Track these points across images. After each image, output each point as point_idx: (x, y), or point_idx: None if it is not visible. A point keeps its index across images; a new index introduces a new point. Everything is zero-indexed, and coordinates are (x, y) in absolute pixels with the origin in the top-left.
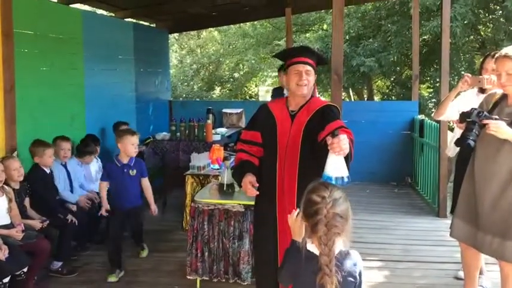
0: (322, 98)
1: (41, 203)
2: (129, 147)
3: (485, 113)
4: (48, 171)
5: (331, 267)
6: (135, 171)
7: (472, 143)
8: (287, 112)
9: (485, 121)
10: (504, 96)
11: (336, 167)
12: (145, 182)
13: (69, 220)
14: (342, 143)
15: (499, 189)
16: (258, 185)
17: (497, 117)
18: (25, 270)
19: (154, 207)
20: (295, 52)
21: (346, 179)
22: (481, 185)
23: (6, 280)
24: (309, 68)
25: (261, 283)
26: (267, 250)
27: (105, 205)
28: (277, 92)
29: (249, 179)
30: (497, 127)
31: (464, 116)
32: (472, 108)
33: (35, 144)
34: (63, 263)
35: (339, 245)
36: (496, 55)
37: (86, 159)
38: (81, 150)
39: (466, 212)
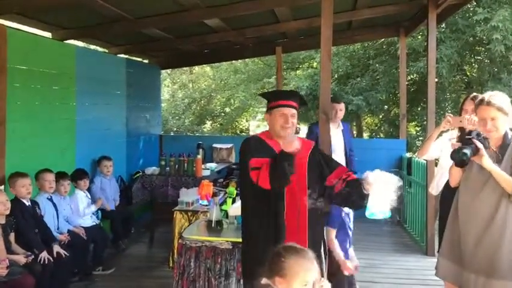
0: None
1: (20, 236)
2: None
3: (484, 135)
4: (27, 203)
5: None
6: None
7: (468, 152)
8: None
9: (479, 145)
10: None
11: (379, 202)
12: None
13: (41, 258)
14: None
15: (482, 227)
16: None
17: (490, 148)
18: None
19: None
20: (283, 95)
21: (388, 213)
22: (465, 224)
23: None
24: (294, 111)
25: None
26: None
27: None
28: (316, 128)
29: None
30: (482, 158)
31: (464, 134)
32: (474, 130)
33: (11, 176)
34: None
35: None
36: (477, 101)
37: (81, 184)
38: (76, 176)
39: (451, 251)
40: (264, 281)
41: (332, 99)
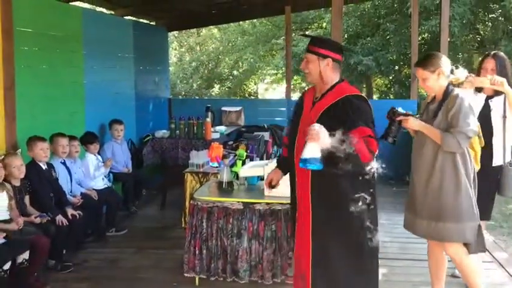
0: None
1: (36, 199)
2: None
3: (397, 110)
4: (44, 166)
5: None
6: None
7: (390, 139)
8: (312, 98)
9: (398, 118)
10: (434, 97)
11: (311, 150)
12: None
13: (58, 221)
14: (315, 132)
15: (425, 178)
16: (278, 184)
17: (409, 112)
18: (26, 257)
19: None
20: (310, 40)
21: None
22: (414, 176)
23: (7, 267)
24: (309, 55)
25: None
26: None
27: None
28: None
29: (271, 175)
30: (407, 121)
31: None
32: (391, 107)
33: (30, 139)
34: (56, 262)
35: None
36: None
37: (91, 148)
38: (86, 140)
39: (409, 202)
40: None
41: None
